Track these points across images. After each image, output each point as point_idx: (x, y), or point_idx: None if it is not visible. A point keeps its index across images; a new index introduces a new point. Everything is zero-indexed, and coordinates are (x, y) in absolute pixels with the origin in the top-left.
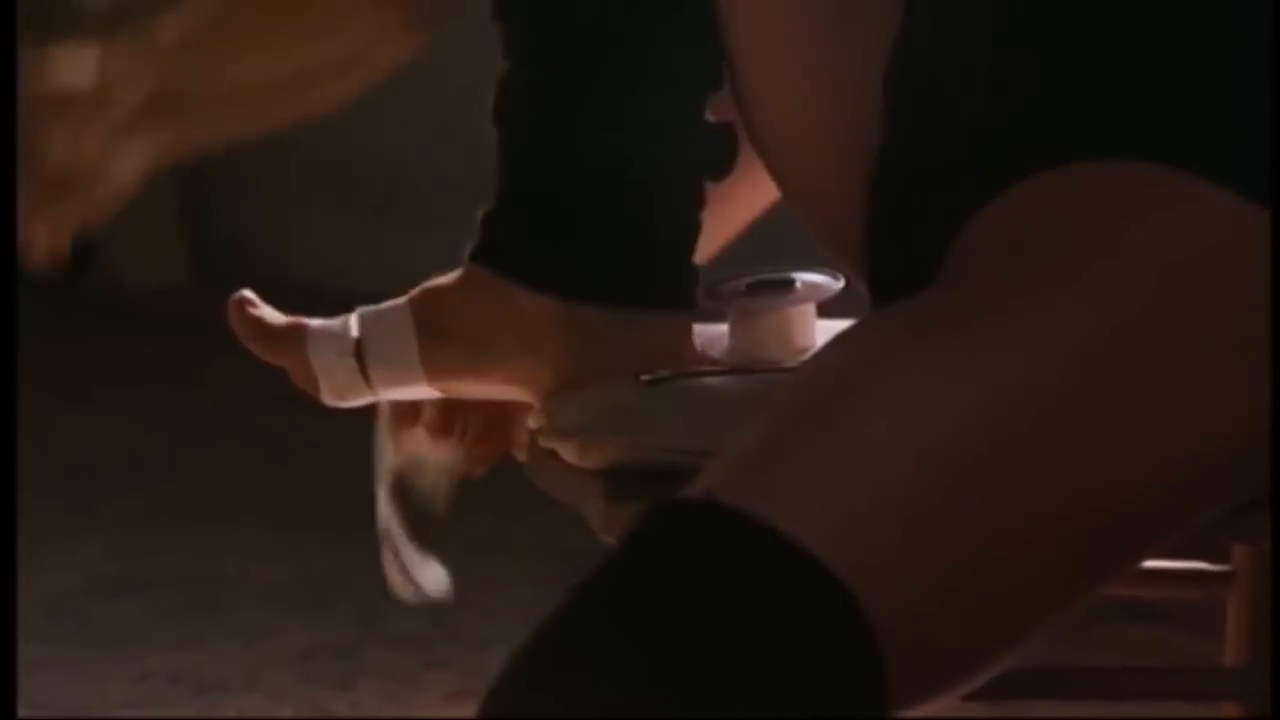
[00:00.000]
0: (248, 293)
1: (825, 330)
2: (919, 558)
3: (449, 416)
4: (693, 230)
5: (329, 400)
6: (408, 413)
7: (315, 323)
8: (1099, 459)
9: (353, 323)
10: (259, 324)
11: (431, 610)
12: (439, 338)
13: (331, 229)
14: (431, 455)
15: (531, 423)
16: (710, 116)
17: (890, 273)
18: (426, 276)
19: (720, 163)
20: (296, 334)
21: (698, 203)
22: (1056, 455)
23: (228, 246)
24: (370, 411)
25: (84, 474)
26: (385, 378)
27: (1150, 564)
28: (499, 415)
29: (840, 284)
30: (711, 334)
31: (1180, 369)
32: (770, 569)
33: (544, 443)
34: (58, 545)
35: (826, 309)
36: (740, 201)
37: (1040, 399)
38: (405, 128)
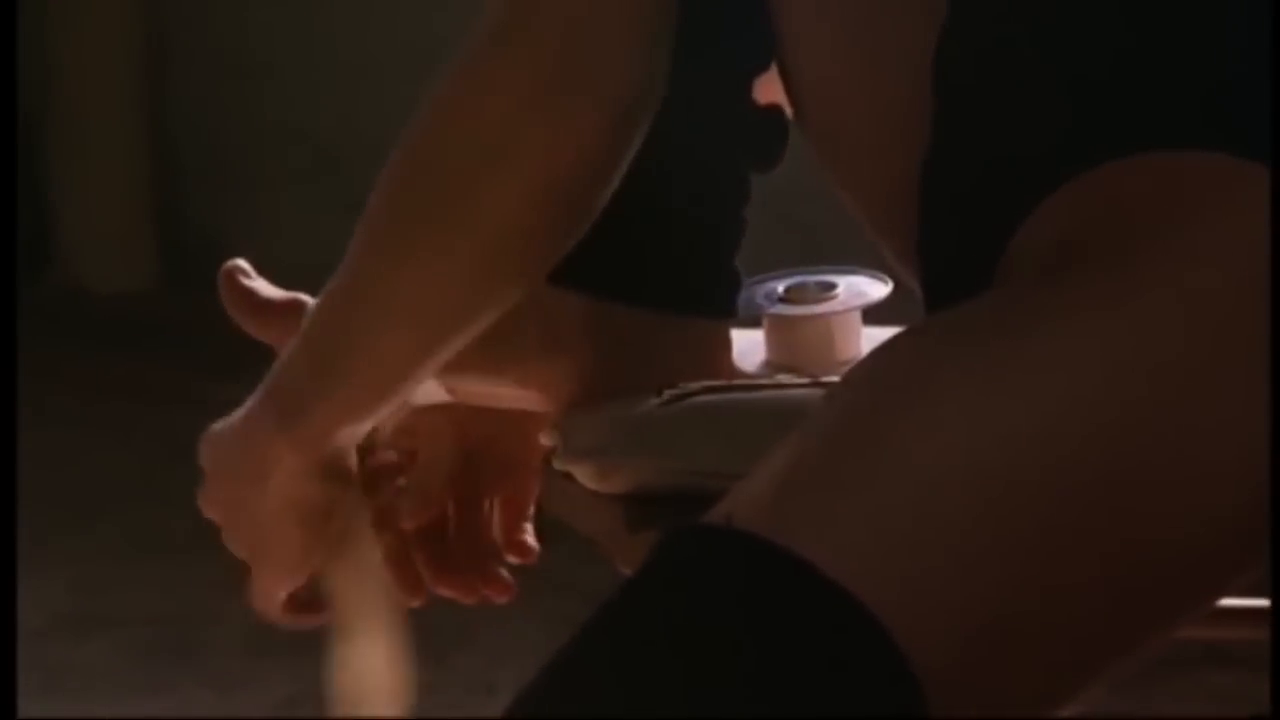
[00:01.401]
0: (241, 262)
1: (872, 339)
2: (966, 594)
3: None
4: (736, 228)
5: None
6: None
7: (314, 301)
8: (1170, 484)
9: None
10: (252, 296)
11: (434, 653)
12: None
13: (315, 226)
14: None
15: (545, 440)
16: (758, 99)
17: (945, 272)
18: None
19: (768, 151)
20: (294, 310)
21: (742, 196)
22: (1123, 479)
23: (201, 246)
24: None
25: (43, 500)
26: None
27: (1229, 602)
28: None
29: (888, 288)
30: (745, 343)
31: (1260, 381)
32: (798, 606)
33: (558, 464)
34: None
35: (874, 315)
36: None
37: (1106, 417)
38: (397, 120)
